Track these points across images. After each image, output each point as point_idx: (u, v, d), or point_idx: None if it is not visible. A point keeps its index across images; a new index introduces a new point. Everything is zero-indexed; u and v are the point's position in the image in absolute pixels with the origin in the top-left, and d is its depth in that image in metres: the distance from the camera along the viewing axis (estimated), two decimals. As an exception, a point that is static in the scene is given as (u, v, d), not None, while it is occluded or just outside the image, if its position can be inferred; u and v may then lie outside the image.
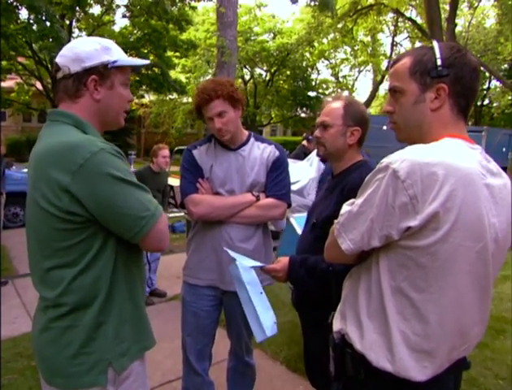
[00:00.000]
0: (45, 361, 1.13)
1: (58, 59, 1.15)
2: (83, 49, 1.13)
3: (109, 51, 1.15)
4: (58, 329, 1.09)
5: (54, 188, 1.03)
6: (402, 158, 0.91)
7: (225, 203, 1.85)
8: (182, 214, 6.38)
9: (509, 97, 17.59)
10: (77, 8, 10.54)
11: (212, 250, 1.88)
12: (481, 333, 1.06)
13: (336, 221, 1.06)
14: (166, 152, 4.04)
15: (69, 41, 10.00)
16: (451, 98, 1.02)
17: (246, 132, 1.97)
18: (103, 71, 1.14)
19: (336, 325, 1.12)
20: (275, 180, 1.90)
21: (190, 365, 1.99)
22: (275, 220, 2.20)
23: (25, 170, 6.71)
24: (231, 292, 1.79)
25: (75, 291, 1.08)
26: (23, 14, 9.69)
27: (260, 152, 1.92)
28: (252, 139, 1.95)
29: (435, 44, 1.03)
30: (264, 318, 1.44)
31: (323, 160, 1.79)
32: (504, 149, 12.60)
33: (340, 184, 1.59)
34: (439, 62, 1.00)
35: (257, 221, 1.91)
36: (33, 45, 10.04)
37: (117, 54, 1.17)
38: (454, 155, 0.93)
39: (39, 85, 12.73)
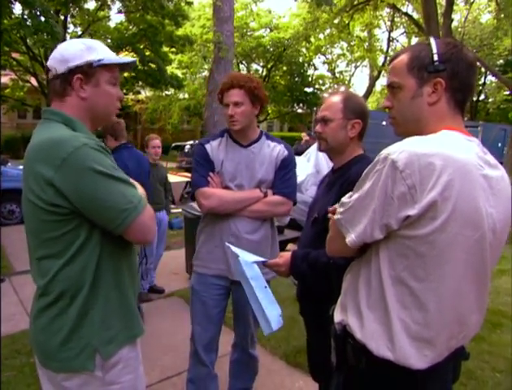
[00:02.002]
0: (39, 346, 1.19)
1: (48, 61, 1.21)
2: (68, 50, 1.18)
3: (94, 51, 1.19)
4: (48, 317, 1.15)
5: (40, 182, 1.08)
6: (401, 149, 0.93)
7: (234, 197, 1.91)
8: (180, 210, 6.35)
9: (505, 93, 17.67)
10: (72, 3, 10.45)
11: (221, 241, 1.93)
12: (479, 322, 1.08)
13: (335, 215, 1.06)
14: (156, 142, 3.98)
15: (64, 36, 9.98)
16: (448, 92, 1.03)
17: (258, 130, 2.02)
18: (88, 70, 1.18)
19: (337, 316, 1.14)
20: (283, 178, 1.95)
21: (198, 356, 2.03)
22: (280, 216, 2.25)
23: (21, 166, 6.66)
24: (240, 282, 1.81)
25: (62, 280, 1.13)
26: (17, 9, 9.61)
27: (270, 150, 1.97)
28: (263, 137, 2.01)
29: (431, 40, 1.05)
30: (270, 311, 1.46)
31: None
32: (499, 145, 12.66)
33: (340, 179, 1.58)
34: (436, 57, 1.02)
35: (263, 216, 1.96)
36: (28, 40, 9.95)
37: (102, 54, 1.20)
38: (452, 146, 0.94)
39: (34, 81, 12.62)
